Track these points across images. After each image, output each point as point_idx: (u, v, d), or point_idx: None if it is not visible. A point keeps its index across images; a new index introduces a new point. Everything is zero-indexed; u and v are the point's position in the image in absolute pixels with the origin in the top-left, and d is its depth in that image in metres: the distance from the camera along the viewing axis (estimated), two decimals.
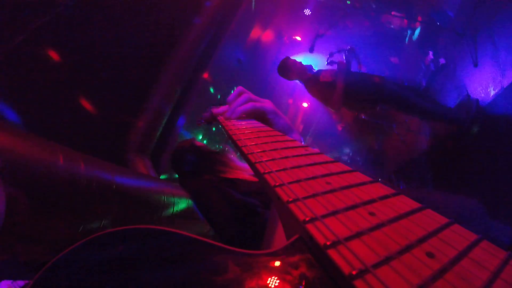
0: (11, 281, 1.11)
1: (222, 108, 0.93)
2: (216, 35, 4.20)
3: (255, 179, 1.32)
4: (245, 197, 1.12)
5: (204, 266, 0.28)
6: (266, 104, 0.86)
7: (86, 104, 2.58)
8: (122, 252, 0.30)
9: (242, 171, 1.40)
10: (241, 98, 0.87)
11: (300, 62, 3.32)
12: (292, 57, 3.41)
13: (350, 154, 7.42)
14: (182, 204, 2.52)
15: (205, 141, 5.19)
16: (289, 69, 3.31)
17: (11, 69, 1.93)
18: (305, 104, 7.62)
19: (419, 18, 5.73)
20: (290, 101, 7.96)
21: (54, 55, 2.21)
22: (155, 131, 3.48)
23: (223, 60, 4.63)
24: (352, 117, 6.97)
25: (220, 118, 0.86)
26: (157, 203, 2.25)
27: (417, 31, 5.75)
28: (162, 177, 3.63)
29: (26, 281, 1.10)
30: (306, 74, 3.28)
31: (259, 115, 0.84)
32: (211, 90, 4.74)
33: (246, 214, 1.07)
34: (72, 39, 2.33)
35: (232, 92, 0.92)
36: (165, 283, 0.26)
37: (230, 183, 1.23)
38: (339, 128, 7.30)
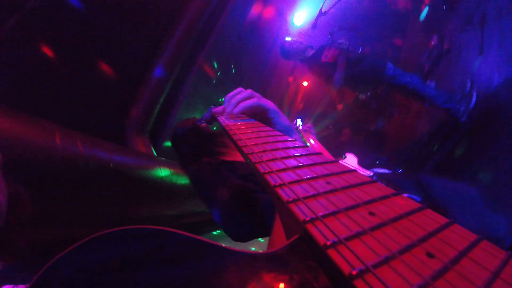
0: (12, 285, 1.12)
1: (222, 107, 0.92)
2: (216, 11, 4.11)
3: None
4: (244, 180, 1.13)
5: (204, 266, 0.28)
6: (269, 103, 0.85)
7: (83, 82, 2.55)
8: (122, 252, 0.30)
9: (237, 154, 1.40)
10: (244, 93, 0.86)
11: (298, 41, 3.28)
12: (293, 38, 3.37)
13: (349, 135, 7.42)
14: (181, 182, 2.53)
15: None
16: (288, 52, 3.30)
17: (4, 48, 1.89)
18: (305, 83, 7.57)
19: (426, 1, 5.60)
20: (291, 79, 7.90)
21: (49, 33, 2.16)
22: (154, 108, 3.45)
23: (222, 37, 4.54)
24: (353, 98, 6.94)
25: (220, 118, 0.85)
26: (156, 182, 2.26)
27: (424, 12, 5.63)
28: (167, 143, 3.62)
29: (28, 286, 1.12)
30: (306, 53, 3.26)
31: (261, 114, 0.83)
32: (215, 65, 4.67)
33: (245, 200, 1.08)
34: (67, 17, 2.27)
35: (232, 88, 0.91)
36: (165, 283, 0.26)
37: (229, 165, 1.23)
38: (339, 107, 7.28)
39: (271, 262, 0.28)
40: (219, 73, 4.88)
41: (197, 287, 0.26)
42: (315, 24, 3.66)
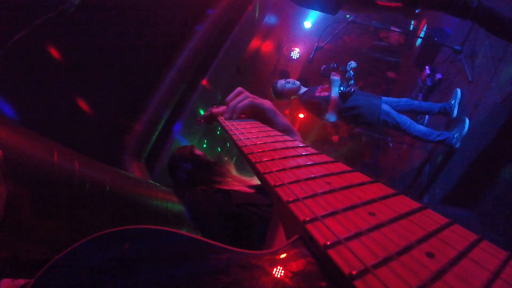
0: (11, 279, 1.09)
1: (222, 108, 0.91)
2: (217, 44, 4.24)
3: (250, 190, 1.32)
4: (239, 209, 1.11)
5: (204, 266, 0.28)
6: (266, 102, 0.84)
7: (84, 104, 2.57)
8: (122, 252, 0.30)
9: (239, 182, 1.40)
10: (240, 96, 0.85)
11: (290, 82, 3.24)
12: (282, 78, 3.36)
13: None
14: (175, 209, 2.50)
15: (205, 143, 5.18)
16: (281, 93, 3.28)
17: (10, 65, 1.92)
18: (301, 115, 7.67)
19: (418, 33, 5.82)
20: (287, 111, 8.02)
21: (54, 53, 2.21)
22: (151, 135, 3.47)
23: (222, 68, 4.65)
24: (348, 130, 7.03)
25: (220, 118, 0.84)
26: (150, 207, 2.23)
27: (418, 41, 5.83)
28: (163, 169, 3.59)
29: (27, 280, 1.09)
30: (300, 91, 3.25)
31: (259, 114, 0.83)
32: (219, 97, 4.72)
33: (239, 227, 1.06)
34: (73, 39, 2.33)
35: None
36: (165, 283, 0.26)
37: (224, 194, 1.22)
38: (335, 139, 7.35)
39: (270, 261, 0.28)
40: (219, 98, 4.94)
41: (197, 287, 0.26)
42: (311, 58, 3.75)
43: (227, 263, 0.28)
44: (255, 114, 0.83)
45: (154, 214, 2.26)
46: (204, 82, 4.22)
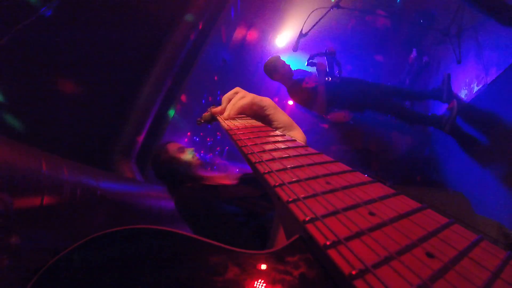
0: None
1: (221, 107, 0.89)
2: (201, 35, 4.18)
3: (235, 182, 1.31)
4: (229, 204, 1.11)
5: (204, 266, 0.28)
6: (265, 99, 0.83)
7: (70, 108, 2.53)
8: (122, 252, 0.30)
9: (220, 178, 1.39)
10: (238, 94, 0.84)
11: (289, 65, 3.20)
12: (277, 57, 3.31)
13: (336, 152, 7.47)
14: (169, 207, 2.49)
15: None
16: (275, 69, 3.21)
17: None
18: (290, 102, 7.68)
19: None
20: (276, 99, 8.01)
21: (36, 57, 2.16)
22: (140, 133, 3.43)
23: (208, 61, 4.60)
24: (338, 116, 7.01)
25: (220, 117, 0.83)
26: (143, 207, 2.22)
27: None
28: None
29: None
30: (290, 80, 3.21)
31: (258, 112, 0.81)
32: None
33: (230, 226, 1.06)
34: (55, 41, 2.27)
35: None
36: (165, 283, 0.26)
37: (213, 190, 1.21)
38: (325, 126, 7.37)
39: (270, 261, 0.28)
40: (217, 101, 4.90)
41: (197, 287, 0.26)
42: (296, 46, 3.71)
43: (227, 263, 0.28)
44: (255, 112, 0.81)
45: (149, 214, 2.26)
46: (191, 75, 4.17)
